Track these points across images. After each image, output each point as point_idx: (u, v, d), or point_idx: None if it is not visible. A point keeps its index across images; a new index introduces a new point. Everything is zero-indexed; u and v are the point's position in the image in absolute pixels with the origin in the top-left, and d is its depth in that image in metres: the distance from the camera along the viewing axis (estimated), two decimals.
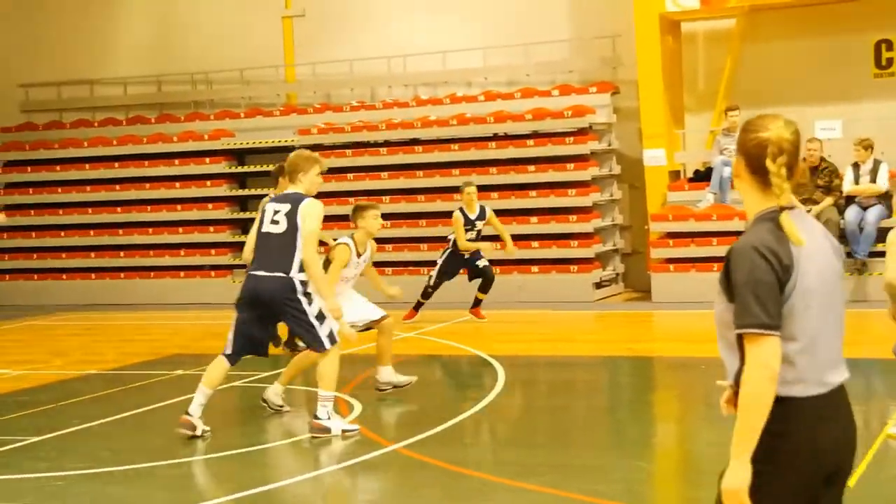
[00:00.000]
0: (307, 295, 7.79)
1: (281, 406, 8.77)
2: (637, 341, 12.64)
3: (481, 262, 13.63)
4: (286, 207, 7.82)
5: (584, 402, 9.68)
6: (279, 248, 7.77)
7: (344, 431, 7.84)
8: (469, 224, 13.38)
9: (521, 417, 8.91)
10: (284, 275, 7.73)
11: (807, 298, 3.22)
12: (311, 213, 7.82)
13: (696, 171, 15.89)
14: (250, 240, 8.11)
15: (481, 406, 8.79)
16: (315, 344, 7.88)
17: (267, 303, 7.79)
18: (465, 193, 13.42)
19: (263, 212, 8.03)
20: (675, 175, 16.07)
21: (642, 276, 16.01)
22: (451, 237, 13.59)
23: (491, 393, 9.26)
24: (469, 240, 13.39)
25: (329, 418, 7.85)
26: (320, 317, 7.84)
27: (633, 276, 16.64)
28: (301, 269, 7.76)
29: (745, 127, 3.36)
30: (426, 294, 13.79)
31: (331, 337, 7.88)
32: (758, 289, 3.17)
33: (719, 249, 13.77)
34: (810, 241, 3.26)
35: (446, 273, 13.71)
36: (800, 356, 3.22)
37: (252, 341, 8.01)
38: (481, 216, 13.42)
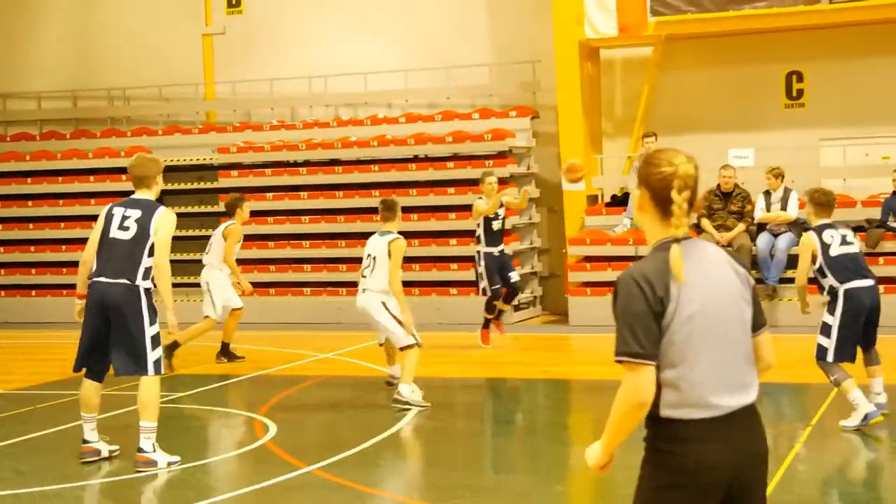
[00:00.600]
0: (151, 309, 7.59)
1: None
2: (554, 364, 12.73)
3: (514, 276, 13.39)
4: (137, 213, 7.63)
5: (500, 425, 9.71)
6: (125, 254, 7.57)
7: (169, 464, 7.62)
8: (494, 216, 13.07)
9: (438, 440, 8.90)
10: (129, 282, 7.54)
11: (689, 326, 3.36)
12: (166, 222, 7.65)
13: (614, 196, 16.11)
14: (91, 246, 7.84)
15: (397, 428, 8.77)
16: (137, 367, 7.59)
17: (112, 310, 7.55)
18: (487, 184, 13.04)
19: (109, 217, 7.74)
20: (592, 199, 16.27)
21: (560, 300, 16.15)
22: (479, 233, 13.18)
23: (407, 415, 9.24)
24: (497, 231, 13.07)
25: (154, 451, 7.63)
26: (155, 341, 7.61)
27: (550, 299, 16.77)
28: (146, 277, 7.59)
29: (649, 161, 3.50)
30: (491, 307, 13.29)
31: (157, 365, 7.62)
32: (631, 319, 3.34)
33: None
34: (698, 270, 3.40)
35: (497, 273, 13.18)
36: (681, 381, 3.37)
37: (94, 353, 7.77)
38: (501, 205, 13.09)
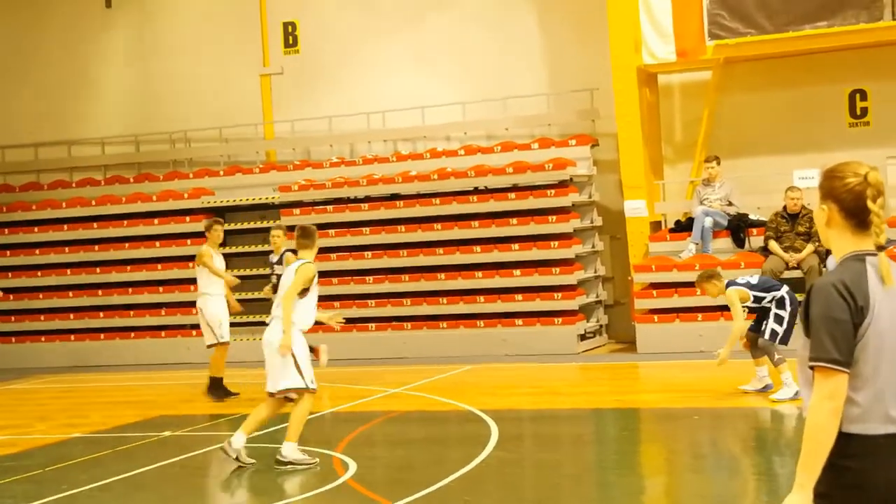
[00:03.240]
0: None
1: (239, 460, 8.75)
2: (623, 393, 12.62)
3: None
4: None
5: (573, 456, 9.63)
6: None
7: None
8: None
9: (515, 473, 8.82)
10: None
11: (879, 340, 3.34)
12: None
13: (677, 222, 15.99)
14: None
15: (475, 464, 8.71)
16: None
17: None
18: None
19: None
20: (656, 226, 16.16)
21: (626, 327, 16.03)
22: None
23: (486, 448, 9.19)
24: None
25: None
26: None
27: (616, 327, 16.66)
28: None
29: (833, 175, 3.47)
30: None
31: None
32: (831, 325, 3.31)
33: (703, 300, 13.77)
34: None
35: None
36: (867, 395, 3.34)
37: None
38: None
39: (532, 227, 16.13)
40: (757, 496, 7.50)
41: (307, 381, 8.72)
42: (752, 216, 15.29)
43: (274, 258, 13.47)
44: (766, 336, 10.66)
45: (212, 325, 12.65)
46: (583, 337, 15.93)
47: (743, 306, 10.66)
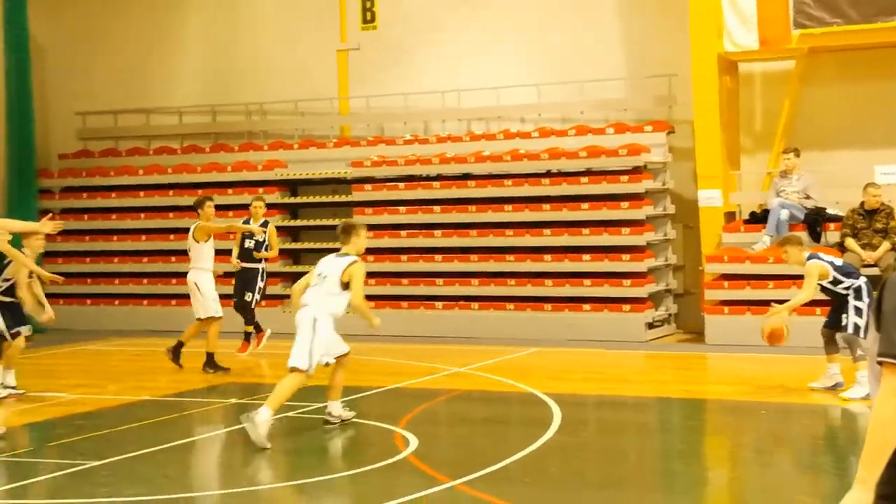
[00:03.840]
0: None
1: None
2: (690, 383, 12.49)
3: (247, 297, 14.55)
4: None
5: (639, 444, 9.57)
6: None
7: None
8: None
9: (578, 458, 8.79)
10: None
11: None
12: None
13: (752, 213, 15.74)
14: None
15: (537, 445, 8.69)
16: None
17: None
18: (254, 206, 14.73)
19: None
20: (730, 216, 15.94)
21: (695, 318, 15.86)
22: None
23: (548, 431, 9.16)
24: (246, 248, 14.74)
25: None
26: None
27: (685, 317, 16.49)
28: None
29: None
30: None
31: None
32: None
33: (775, 293, 13.60)
34: None
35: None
36: None
37: None
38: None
39: (604, 213, 16.01)
40: (821, 493, 7.38)
41: (312, 362, 8.94)
42: (829, 210, 14.99)
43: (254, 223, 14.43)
44: (850, 330, 10.44)
45: (208, 299, 12.84)
46: (651, 325, 15.80)
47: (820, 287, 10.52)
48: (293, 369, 8.91)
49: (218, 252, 13.70)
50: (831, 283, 10.48)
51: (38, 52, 19.95)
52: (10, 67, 18.91)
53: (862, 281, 10.57)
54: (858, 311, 10.41)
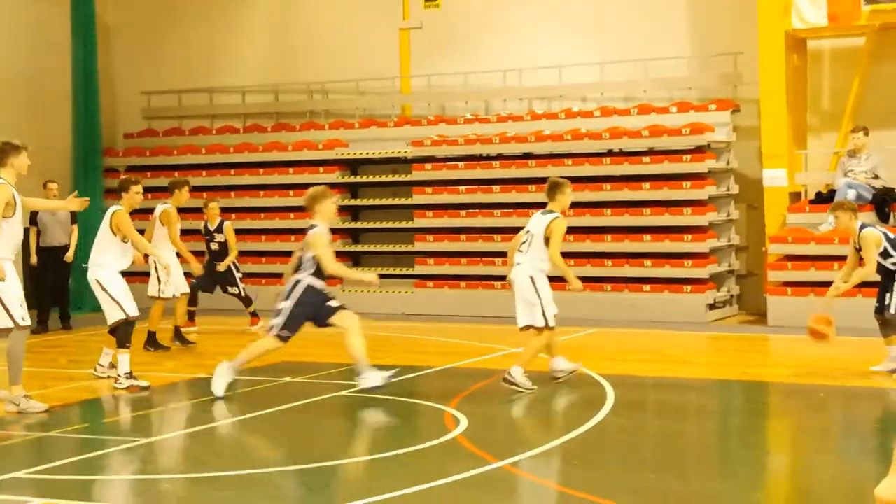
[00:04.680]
0: None
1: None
2: (751, 365, 12.26)
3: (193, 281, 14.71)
4: None
5: (696, 426, 9.41)
6: None
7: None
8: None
9: (629, 439, 8.66)
10: None
11: None
12: None
13: (818, 193, 15.40)
14: None
15: (589, 426, 8.58)
16: None
17: None
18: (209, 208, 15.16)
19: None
20: (795, 196, 15.61)
21: (757, 299, 15.58)
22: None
23: (600, 412, 9.04)
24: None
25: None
26: None
27: (747, 298, 16.21)
28: None
29: None
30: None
31: None
32: None
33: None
34: None
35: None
36: None
37: None
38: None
39: (665, 193, 15.77)
40: (879, 478, 7.16)
41: (548, 319, 9.89)
42: None
43: (212, 227, 15.07)
44: (892, 310, 10.40)
45: (176, 276, 13.15)
46: (712, 306, 15.56)
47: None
48: (527, 328, 9.87)
49: (196, 253, 14.36)
50: (882, 255, 10.33)
51: (104, 32, 20.20)
52: (78, 48, 19.16)
53: None
54: None
